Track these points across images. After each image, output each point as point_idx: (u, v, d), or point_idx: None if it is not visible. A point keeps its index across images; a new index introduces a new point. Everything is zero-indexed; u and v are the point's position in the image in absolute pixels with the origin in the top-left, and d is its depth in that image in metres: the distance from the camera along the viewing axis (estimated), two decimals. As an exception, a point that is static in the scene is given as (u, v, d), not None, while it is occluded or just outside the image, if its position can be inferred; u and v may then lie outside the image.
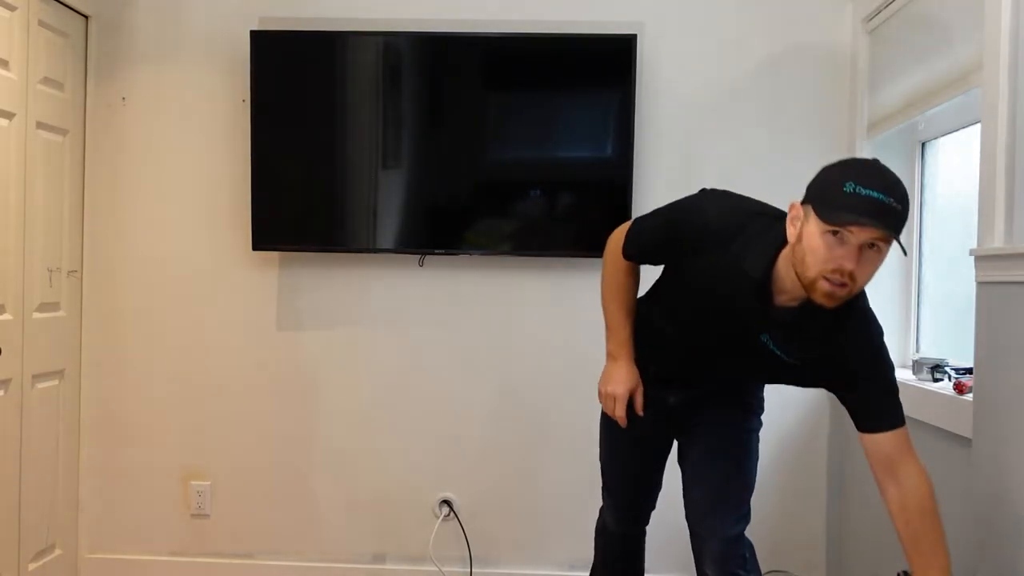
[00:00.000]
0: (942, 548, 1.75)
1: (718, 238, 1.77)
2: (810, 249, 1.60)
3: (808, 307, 1.70)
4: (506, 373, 3.10)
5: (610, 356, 2.05)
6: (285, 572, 3.14)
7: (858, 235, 1.56)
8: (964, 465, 2.10)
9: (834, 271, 1.58)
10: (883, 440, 1.77)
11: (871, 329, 1.81)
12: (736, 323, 1.81)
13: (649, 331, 2.04)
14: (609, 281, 2.04)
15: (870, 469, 1.83)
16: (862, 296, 1.76)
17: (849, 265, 1.57)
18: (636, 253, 2.00)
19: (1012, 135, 1.91)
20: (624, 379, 2.01)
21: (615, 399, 2.02)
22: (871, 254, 1.58)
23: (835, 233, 1.57)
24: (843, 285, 1.59)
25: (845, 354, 1.78)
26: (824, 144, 3.04)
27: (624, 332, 2.03)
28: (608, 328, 2.06)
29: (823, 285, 1.60)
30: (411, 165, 3.05)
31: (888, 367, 1.84)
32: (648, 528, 3.16)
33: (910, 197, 1.72)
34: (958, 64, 2.31)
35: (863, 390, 1.80)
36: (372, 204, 3.04)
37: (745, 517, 2.07)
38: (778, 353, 1.81)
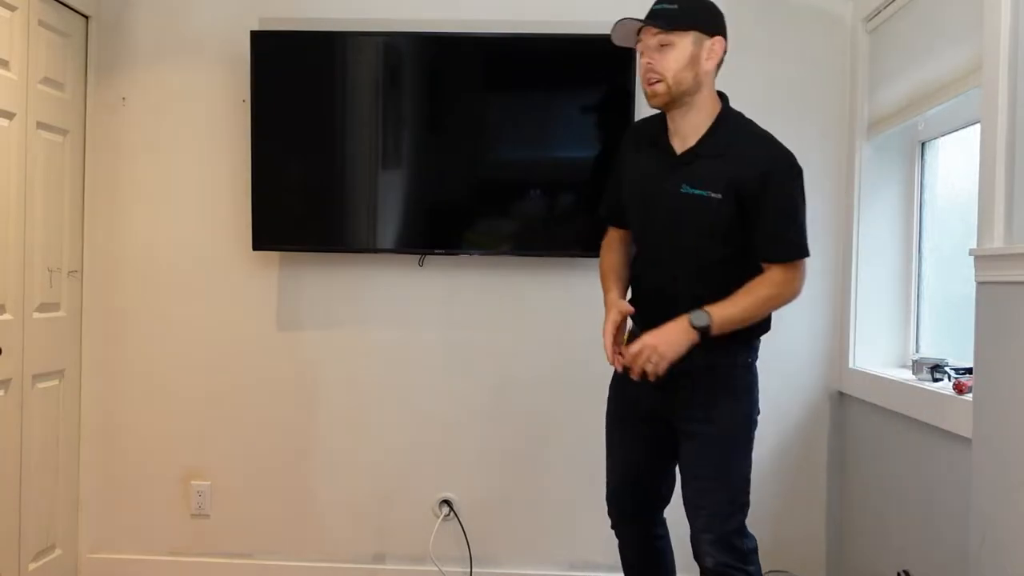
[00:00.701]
0: (743, 302, 2.01)
1: (634, 135, 2.22)
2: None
3: (704, 140, 2.04)
4: (506, 373, 3.10)
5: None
6: (285, 572, 3.14)
7: (644, 40, 2.02)
8: (964, 465, 2.10)
9: (645, 75, 2.02)
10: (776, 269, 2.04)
11: (771, 152, 2.05)
12: (661, 189, 2.07)
13: (635, 288, 2.21)
14: (600, 261, 2.28)
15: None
16: (753, 124, 2.09)
17: (647, 63, 2.00)
18: (606, 209, 2.28)
19: (1012, 135, 1.91)
20: (607, 319, 2.11)
21: (604, 338, 2.10)
22: (664, 50, 1.98)
23: (641, 54, 2.03)
24: (656, 82, 2.00)
25: (747, 171, 2.00)
26: (824, 144, 3.04)
27: (612, 293, 2.18)
28: (604, 295, 2.20)
29: (646, 90, 2.03)
30: (411, 165, 3.05)
31: (788, 195, 2.04)
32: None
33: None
34: (958, 64, 2.31)
35: (764, 214, 2.01)
36: (372, 204, 3.04)
37: (737, 512, 2.09)
38: (702, 193, 2.02)
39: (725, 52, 2.04)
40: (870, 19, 2.89)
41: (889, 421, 2.63)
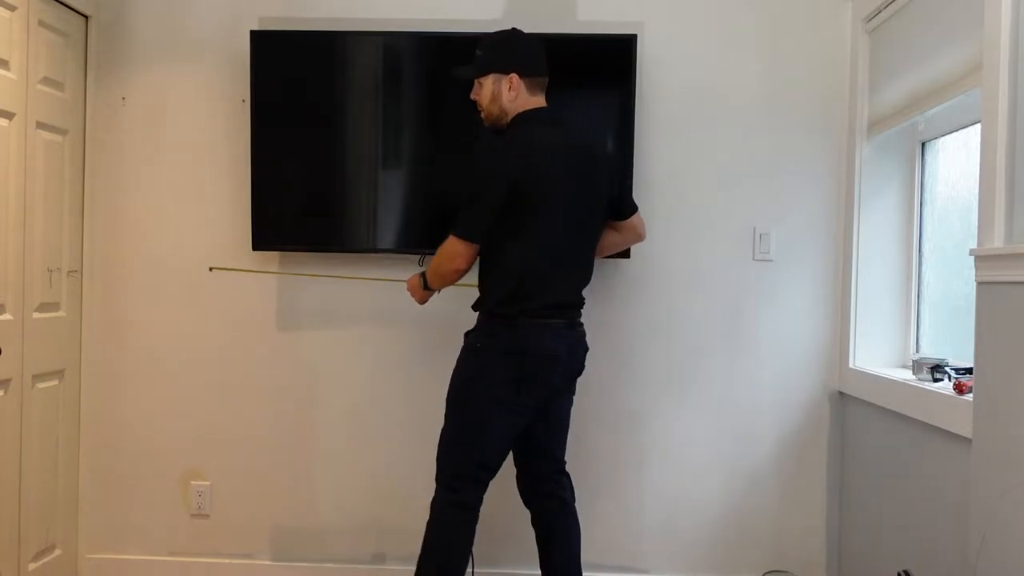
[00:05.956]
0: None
1: None
2: None
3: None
4: (506, 373, 3.10)
5: None
6: (285, 572, 3.14)
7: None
8: (964, 465, 2.10)
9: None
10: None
11: (474, 151, 2.59)
12: None
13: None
14: None
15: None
16: (502, 136, 2.48)
17: (472, 97, 2.52)
18: None
19: (1012, 135, 1.92)
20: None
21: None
22: (478, 88, 2.49)
23: None
24: (480, 111, 2.51)
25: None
26: (824, 144, 3.04)
27: None
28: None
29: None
30: (411, 165, 3.05)
31: (469, 183, 2.43)
32: (648, 527, 3.18)
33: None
34: (958, 64, 2.31)
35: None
36: (372, 204, 3.04)
37: (440, 470, 2.52)
38: None
39: (531, 77, 2.45)
40: (870, 19, 2.89)
41: (889, 421, 2.63)
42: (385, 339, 3.11)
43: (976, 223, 2.02)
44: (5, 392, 2.70)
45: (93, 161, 3.14)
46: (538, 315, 2.40)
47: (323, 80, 3.01)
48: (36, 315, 2.84)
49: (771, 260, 3.06)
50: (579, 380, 3.06)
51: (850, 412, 2.99)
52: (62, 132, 2.98)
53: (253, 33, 2.99)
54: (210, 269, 3.02)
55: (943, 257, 2.74)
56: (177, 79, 3.13)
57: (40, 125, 2.83)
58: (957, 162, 2.64)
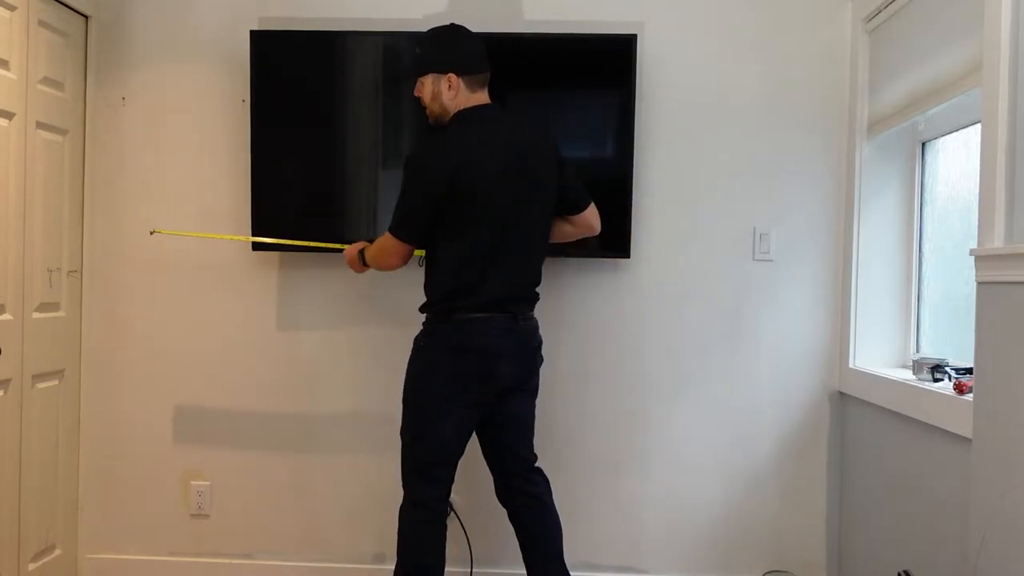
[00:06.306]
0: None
1: None
2: None
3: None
4: (506, 373, 3.10)
5: None
6: (285, 572, 3.14)
7: None
8: (964, 465, 2.10)
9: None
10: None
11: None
12: None
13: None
14: None
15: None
16: (436, 136, 2.50)
17: (416, 94, 2.53)
18: None
19: (1012, 135, 1.92)
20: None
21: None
22: (419, 87, 2.51)
23: None
24: (424, 109, 2.52)
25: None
26: (824, 144, 3.04)
27: None
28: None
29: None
30: (411, 165, 3.04)
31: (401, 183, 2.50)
32: (648, 527, 3.19)
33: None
34: (958, 64, 2.31)
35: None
36: (372, 204, 3.04)
37: (403, 466, 2.53)
38: None
39: (470, 75, 2.45)
40: (870, 19, 2.89)
41: (889, 421, 2.63)
42: (385, 339, 3.11)
43: (976, 223, 2.02)
44: (5, 392, 2.70)
45: (93, 161, 3.14)
46: (480, 311, 2.41)
47: (323, 80, 3.01)
48: (36, 315, 2.85)
49: (771, 260, 3.06)
50: (579, 380, 3.08)
51: (850, 412, 2.99)
52: (62, 132, 2.98)
53: (253, 33, 2.99)
54: (151, 232, 3.01)
55: (943, 257, 2.74)
56: (177, 79, 3.13)
57: (40, 125, 2.83)
58: (957, 162, 2.64)
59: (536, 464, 2.63)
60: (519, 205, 2.43)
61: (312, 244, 2.89)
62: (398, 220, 2.45)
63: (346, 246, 2.68)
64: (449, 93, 2.45)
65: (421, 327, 2.51)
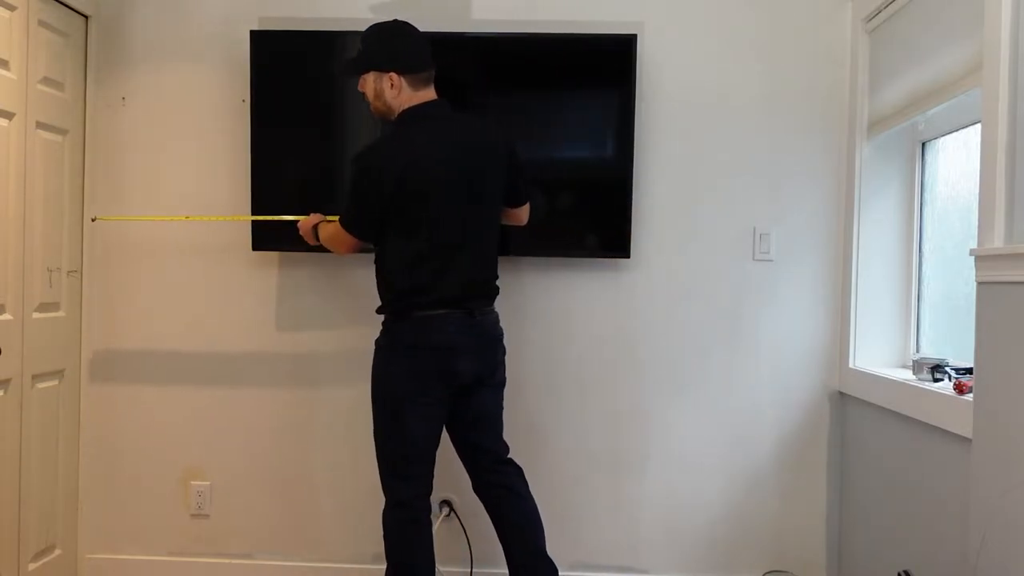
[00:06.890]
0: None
1: None
2: None
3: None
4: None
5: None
6: (285, 572, 3.14)
7: None
8: (964, 465, 2.10)
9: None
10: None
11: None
12: None
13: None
14: None
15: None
16: (381, 138, 2.61)
17: (360, 90, 2.51)
18: None
19: (1012, 135, 1.92)
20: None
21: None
22: (362, 84, 2.49)
23: None
24: (370, 108, 2.52)
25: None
26: (824, 144, 3.04)
27: None
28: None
29: None
30: (411, 165, 3.04)
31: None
32: (648, 527, 3.19)
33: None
34: (958, 64, 2.31)
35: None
36: (372, 204, 3.03)
37: (379, 467, 2.53)
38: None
39: (412, 74, 2.44)
40: (870, 19, 2.89)
41: (889, 421, 2.63)
42: (385, 339, 3.10)
43: (976, 223, 2.02)
44: (5, 392, 2.70)
45: (93, 161, 3.14)
46: (433, 307, 2.41)
47: (323, 80, 3.01)
48: (36, 315, 2.84)
49: (771, 260, 3.06)
50: (578, 380, 3.07)
51: (850, 412, 2.99)
52: (62, 132, 2.98)
53: (253, 33, 2.99)
54: (92, 219, 3.03)
55: (943, 257, 2.74)
56: (177, 79, 3.13)
57: (40, 125, 2.83)
58: (957, 162, 2.64)
59: (508, 456, 2.64)
60: (468, 202, 2.43)
61: (268, 217, 2.90)
62: (349, 220, 2.48)
63: (302, 217, 2.71)
64: (392, 92, 2.44)
65: (381, 326, 2.52)
